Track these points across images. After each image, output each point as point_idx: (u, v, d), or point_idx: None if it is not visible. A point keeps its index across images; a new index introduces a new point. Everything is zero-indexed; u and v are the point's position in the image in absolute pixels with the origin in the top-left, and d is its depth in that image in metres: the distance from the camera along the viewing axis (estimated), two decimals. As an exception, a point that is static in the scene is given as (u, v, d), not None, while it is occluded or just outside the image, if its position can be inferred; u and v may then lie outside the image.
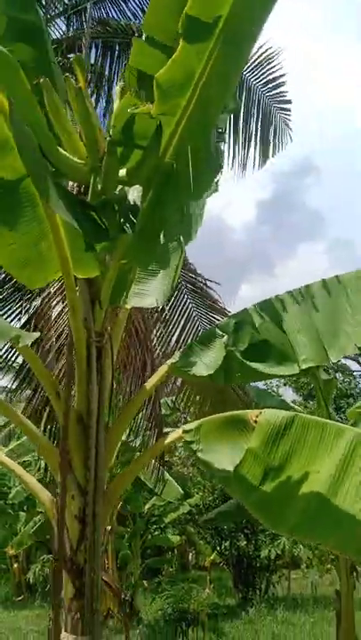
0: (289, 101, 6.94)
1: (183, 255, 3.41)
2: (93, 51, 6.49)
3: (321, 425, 2.50)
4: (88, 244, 2.66)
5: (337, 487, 2.27)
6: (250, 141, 6.65)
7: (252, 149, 6.65)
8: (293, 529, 2.35)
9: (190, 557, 19.71)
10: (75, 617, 2.67)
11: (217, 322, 5.63)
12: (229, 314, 5.69)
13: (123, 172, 2.64)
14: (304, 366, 3.00)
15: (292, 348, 3.03)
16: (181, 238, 3.25)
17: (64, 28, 6.52)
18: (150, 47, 2.60)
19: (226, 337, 3.07)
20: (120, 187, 2.75)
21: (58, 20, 6.64)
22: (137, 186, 2.81)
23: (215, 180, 2.89)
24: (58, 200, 2.24)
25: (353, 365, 20.43)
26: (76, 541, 2.76)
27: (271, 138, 6.69)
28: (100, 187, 2.61)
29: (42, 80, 2.40)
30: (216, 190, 3.56)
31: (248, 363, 2.98)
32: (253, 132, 6.68)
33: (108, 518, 3.34)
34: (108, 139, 2.53)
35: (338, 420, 8.13)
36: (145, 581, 13.91)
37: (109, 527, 10.19)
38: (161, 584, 12.59)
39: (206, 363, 3.03)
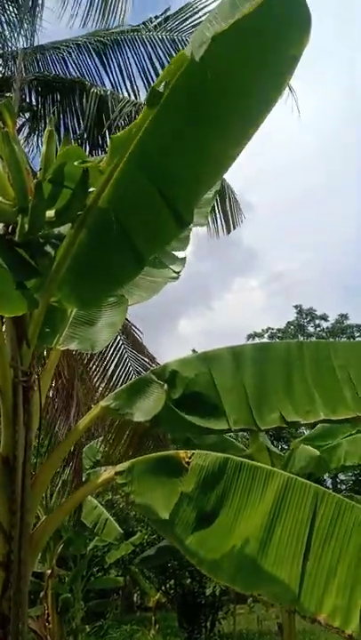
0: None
1: (126, 309, 3.44)
2: (34, 91, 6.57)
3: (252, 469, 2.56)
4: (18, 281, 2.65)
5: (269, 537, 2.31)
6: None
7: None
8: (232, 580, 2.34)
9: (135, 598, 19.15)
10: (-4, 671, 2.55)
11: (144, 362, 5.68)
12: (154, 356, 5.77)
13: (51, 212, 2.66)
14: (235, 427, 3.07)
15: (223, 406, 3.08)
16: (125, 294, 3.29)
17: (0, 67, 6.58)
18: None
19: (166, 385, 3.10)
20: (49, 227, 2.76)
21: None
22: (68, 226, 2.82)
23: (169, 244, 2.82)
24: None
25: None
26: (-1, 589, 2.65)
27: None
28: (27, 227, 2.63)
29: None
30: (176, 278, 3.61)
31: (179, 412, 3.01)
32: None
33: (35, 564, 3.23)
34: (35, 180, 2.56)
35: (275, 446, 8.21)
36: (88, 626, 13.36)
37: (49, 571, 9.78)
38: (103, 628, 12.14)
39: (143, 409, 3.05)
